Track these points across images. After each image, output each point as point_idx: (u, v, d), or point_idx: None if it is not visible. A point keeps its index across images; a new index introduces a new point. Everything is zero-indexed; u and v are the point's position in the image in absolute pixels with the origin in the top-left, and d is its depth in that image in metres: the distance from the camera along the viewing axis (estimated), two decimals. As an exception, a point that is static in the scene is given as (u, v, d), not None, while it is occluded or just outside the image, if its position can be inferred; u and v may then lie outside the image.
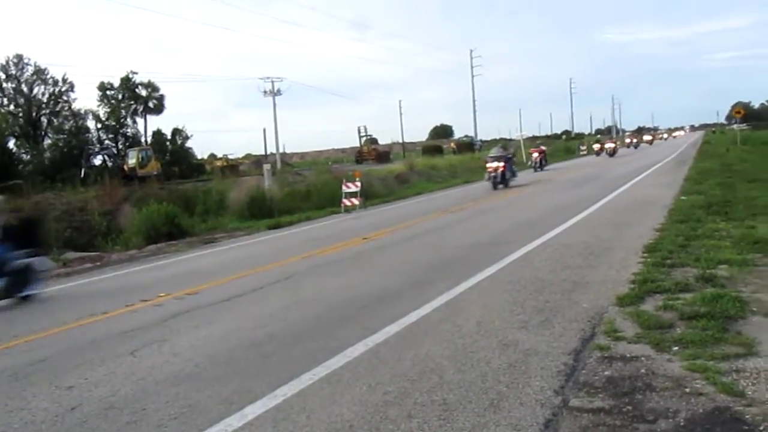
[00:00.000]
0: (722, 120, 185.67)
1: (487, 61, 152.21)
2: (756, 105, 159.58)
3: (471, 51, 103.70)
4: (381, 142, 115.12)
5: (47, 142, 60.19)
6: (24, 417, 5.89)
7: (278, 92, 75.16)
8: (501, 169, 30.01)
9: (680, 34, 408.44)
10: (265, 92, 75.04)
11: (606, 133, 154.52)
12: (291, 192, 31.11)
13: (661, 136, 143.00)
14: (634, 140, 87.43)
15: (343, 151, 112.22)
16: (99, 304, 10.92)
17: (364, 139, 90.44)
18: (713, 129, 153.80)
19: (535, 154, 46.26)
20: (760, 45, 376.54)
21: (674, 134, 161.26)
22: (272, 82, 74.66)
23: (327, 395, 5.67)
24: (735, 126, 70.01)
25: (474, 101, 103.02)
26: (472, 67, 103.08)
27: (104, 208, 27.48)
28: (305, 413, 5.33)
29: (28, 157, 55.70)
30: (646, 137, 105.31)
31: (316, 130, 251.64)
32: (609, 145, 62.49)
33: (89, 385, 6.65)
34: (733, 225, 12.77)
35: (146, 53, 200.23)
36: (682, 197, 18.61)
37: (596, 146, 66.26)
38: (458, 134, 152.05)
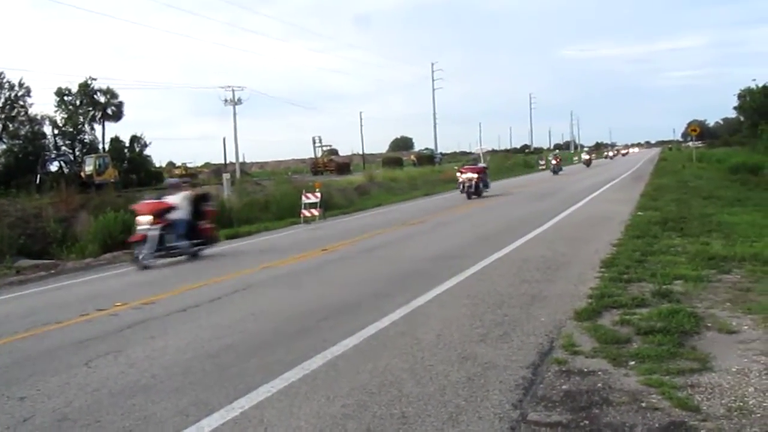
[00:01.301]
0: (678, 137, 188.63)
1: (448, 74, 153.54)
2: (711, 123, 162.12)
3: (432, 64, 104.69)
4: (341, 153, 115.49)
5: (2, 147, 59.17)
6: (-27, 428, 5.76)
7: (239, 101, 74.94)
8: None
9: (637, 51, 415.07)
10: (225, 101, 74.81)
11: (564, 147, 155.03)
12: (250, 202, 30.90)
13: (606, 154, 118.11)
14: (554, 161, 61.29)
15: (303, 161, 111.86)
16: (53, 313, 10.75)
17: (320, 149, 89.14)
18: (669, 146, 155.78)
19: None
20: (713, 64, 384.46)
21: (624, 152, 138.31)
22: (233, 90, 74.43)
23: (285, 408, 5.62)
24: (690, 143, 71.25)
25: (435, 114, 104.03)
26: (433, 80, 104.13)
27: (60, 215, 26.92)
28: (263, 426, 5.27)
29: (-18, 162, 54.79)
30: (585, 156, 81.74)
31: (277, 139, 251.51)
32: (469, 176, 32.40)
33: (42, 396, 6.52)
34: (689, 241, 12.97)
35: (105, 59, 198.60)
36: (639, 213, 18.86)
37: (459, 175, 33.84)
38: (419, 146, 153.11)
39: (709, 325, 7.27)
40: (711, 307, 8.03)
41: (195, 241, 17.19)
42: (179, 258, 16.82)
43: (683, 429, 4.75)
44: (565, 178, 48.80)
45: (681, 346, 6.55)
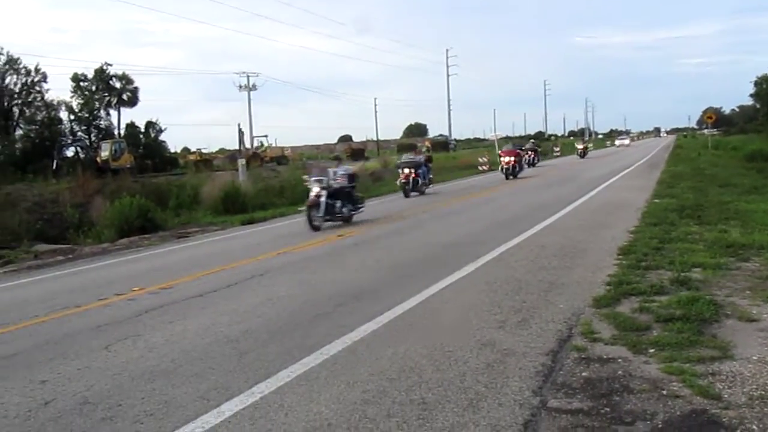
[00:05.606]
0: (693, 124, 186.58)
1: (463, 60, 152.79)
2: (727, 110, 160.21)
3: (447, 50, 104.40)
4: (356, 139, 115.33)
5: (19, 132, 59.39)
6: (-4, 411, 5.81)
7: (253, 87, 74.77)
8: None
9: (650, 38, 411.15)
10: (240, 87, 74.66)
11: (579, 134, 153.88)
12: (265, 187, 30.99)
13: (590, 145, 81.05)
14: (511, 155, 35.63)
15: (318, 147, 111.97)
16: (72, 298, 10.83)
17: (255, 140, 71.23)
18: (684, 133, 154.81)
19: None
20: (728, 52, 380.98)
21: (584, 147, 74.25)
22: (248, 76, 74.31)
23: (305, 393, 5.64)
24: (706, 131, 70.81)
25: (449, 100, 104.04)
26: (447, 66, 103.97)
27: (76, 200, 27.14)
28: (283, 411, 5.29)
29: (-1, 147, 54.99)
30: (626, 141, 64.61)
31: (291, 125, 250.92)
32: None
33: (63, 379, 6.57)
34: (706, 229, 12.88)
35: (121, 45, 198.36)
36: (655, 200, 18.76)
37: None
38: (433, 133, 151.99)
39: (728, 313, 7.22)
40: (730, 295, 7.98)
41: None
42: (200, 240, 16.95)
43: (705, 417, 4.73)
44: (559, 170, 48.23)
45: (701, 334, 6.51)
